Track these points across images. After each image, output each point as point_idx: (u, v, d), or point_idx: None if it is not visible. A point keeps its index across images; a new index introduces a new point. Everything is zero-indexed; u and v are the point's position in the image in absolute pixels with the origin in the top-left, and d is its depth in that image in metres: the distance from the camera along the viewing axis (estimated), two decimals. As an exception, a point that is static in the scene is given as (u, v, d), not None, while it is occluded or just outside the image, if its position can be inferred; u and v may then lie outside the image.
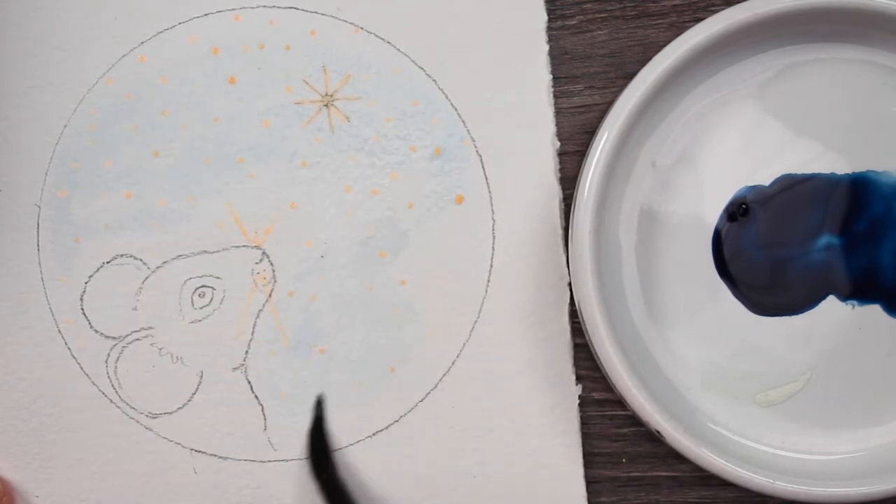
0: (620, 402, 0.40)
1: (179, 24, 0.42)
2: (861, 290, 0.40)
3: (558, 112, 0.41)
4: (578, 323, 0.40)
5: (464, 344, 0.42)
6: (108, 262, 0.42)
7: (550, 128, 0.41)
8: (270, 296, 0.42)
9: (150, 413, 0.42)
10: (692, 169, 0.40)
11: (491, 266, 0.41)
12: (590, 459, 0.42)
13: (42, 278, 0.42)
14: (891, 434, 0.40)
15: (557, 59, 0.41)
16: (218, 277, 0.42)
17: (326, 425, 0.42)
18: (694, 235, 0.41)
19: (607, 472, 0.42)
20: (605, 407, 0.42)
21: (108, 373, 0.42)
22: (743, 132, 0.40)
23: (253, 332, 0.42)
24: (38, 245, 0.42)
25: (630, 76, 0.39)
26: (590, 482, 0.42)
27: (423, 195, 0.42)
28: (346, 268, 0.42)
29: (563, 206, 0.41)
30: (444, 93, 0.41)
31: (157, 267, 0.42)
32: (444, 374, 0.42)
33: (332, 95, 0.42)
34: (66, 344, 0.42)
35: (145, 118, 0.42)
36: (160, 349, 0.42)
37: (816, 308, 0.40)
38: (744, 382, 0.41)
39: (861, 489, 0.37)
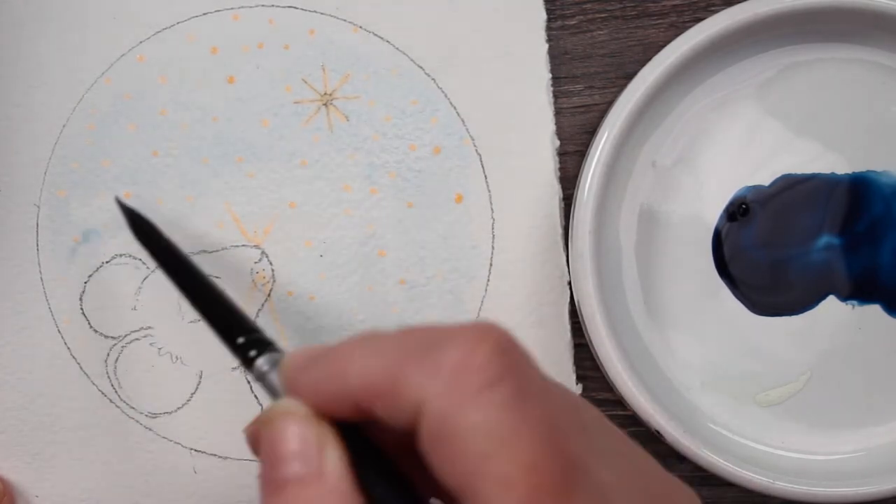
0: (620, 402, 0.40)
1: (178, 23, 0.42)
2: (861, 290, 0.40)
3: (558, 112, 0.41)
4: (578, 323, 0.40)
5: (464, 344, 0.42)
6: (107, 262, 0.42)
7: (550, 127, 0.41)
8: (270, 295, 0.42)
9: (149, 413, 0.42)
10: (692, 169, 0.40)
11: (491, 266, 0.41)
12: (590, 459, 0.42)
13: (42, 278, 0.42)
14: (891, 434, 0.40)
15: (557, 59, 0.41)
16: (217, 277, 0.42)
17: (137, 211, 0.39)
18: (694, 235, 0.41)
19: (607, 471, 0.42)
20: (605, 407, 0.42)
21: (107, 373, 0.42)
22: (743, 132, 0.40)
23: (252, 332, 0.42)
24: (37, 245, 0.42)
25: (630, 76, 0.39)
26: (590, 481, 0.42)
27: (422, 194, 0.42)
28: (345, 267, 0.42)
29: (563, 206, 0.41)
30: (443, 92, 0.41)
31: (157, 267, 0.42)
32: (444, 374, 0.42)
33: (331, 94, 0.42)
34: (65, 344, 0.42)
35: (144, 118, 0.42)
36: (160, 349, 0.42)
37: (816, 308, 0.40)
38: (744, 382, 0.41)
39: (861, 489, 0.38)
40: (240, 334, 0.30)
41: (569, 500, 0.23)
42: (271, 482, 0.26)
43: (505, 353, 0.24)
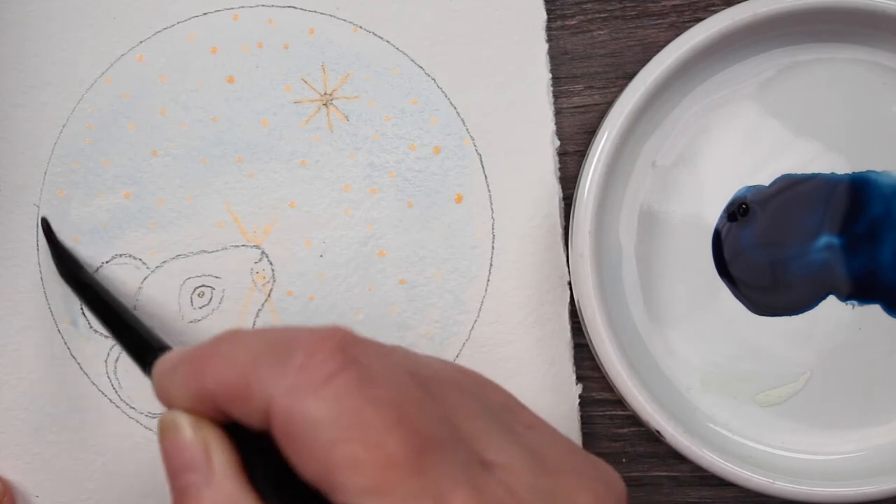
0: (620, 402, 0.40)
1: (178, 23, 0.42)
2: (861, 290, 0.40)
3: (558, 112, 0.41)
4: (578, 323, 0.40)
5: (463, 344, 0.42)
6: (107, 262, 0.42)
7: (550, 127, 0.41)
8: (269, 295, 0.42)
9: (149, 413, 0.42)
10: (692, 169, 0.40)
11: (491, 266, 0.41)
12: (590, 459, 0.42)
13: (42, 278, 0.42)
14: (891, 434, 0.40)
15: (557, 59, 0.41)
16: (217, 277, 0.42)
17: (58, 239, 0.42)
18: (694, 235, 0.41)
19: (607, 471, 0.42)
20: (605, 407, 0.42)
21: (107, 373, 0.42)
22: (743, 132, 0.40)
23: (252, 332, 0.42)
24: (37, 245, 0.42)
25: (630, 76, 0.39)
26: (590, 481, 0.42)
27: (422, 194, 0.42)
28: (345, 267, 0.42)
29: (563, 206, 0.41)
30: (443, 92, 0.41)
31: (157, 267, 0.42)
32: (444, 374, 0.42)
33: (330, 94, 0.42)
34: (65, 344, 0.42)
35: (144, 117, 0.42)
36: (160, 349, 0.42)
37: (816, 308, 0.40)
38: (744, 382, 0.41)
39: (861, 489, 0.37)
40: (147, 350, 0.33)
41: (423, 476, 0.24)
42: (174, 490, 0.27)
43: (345, 348, 0.25)
